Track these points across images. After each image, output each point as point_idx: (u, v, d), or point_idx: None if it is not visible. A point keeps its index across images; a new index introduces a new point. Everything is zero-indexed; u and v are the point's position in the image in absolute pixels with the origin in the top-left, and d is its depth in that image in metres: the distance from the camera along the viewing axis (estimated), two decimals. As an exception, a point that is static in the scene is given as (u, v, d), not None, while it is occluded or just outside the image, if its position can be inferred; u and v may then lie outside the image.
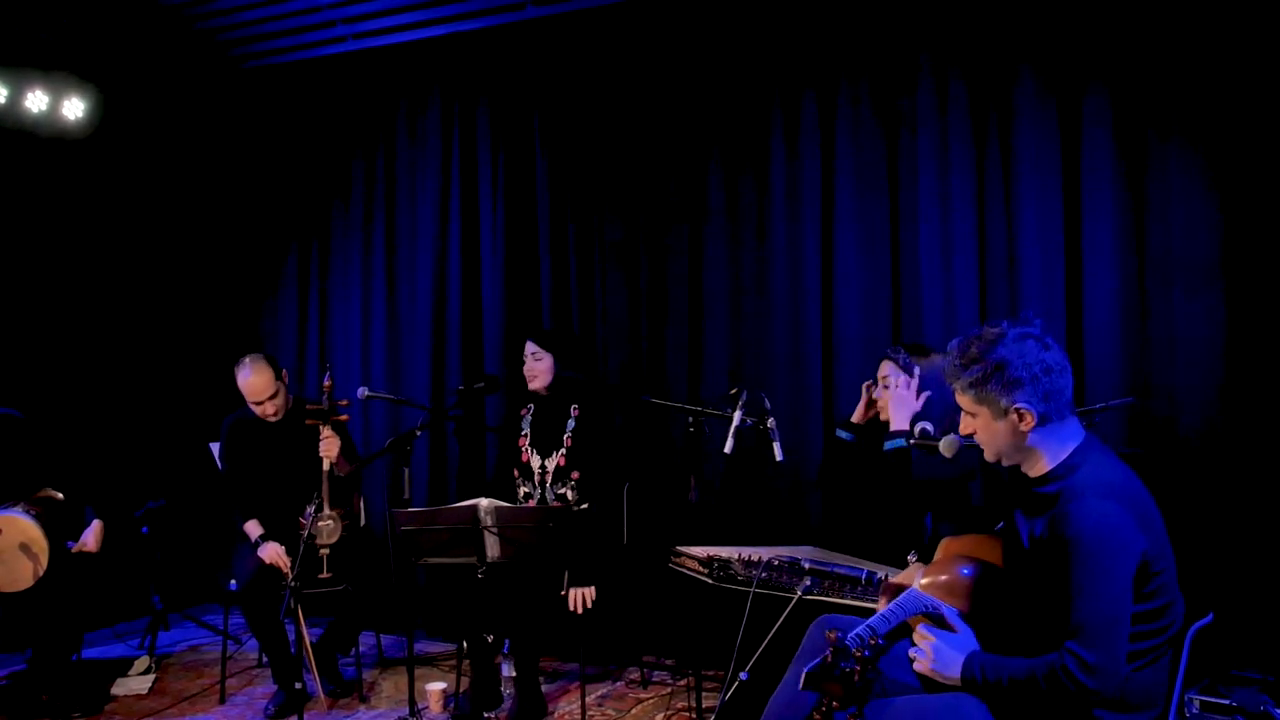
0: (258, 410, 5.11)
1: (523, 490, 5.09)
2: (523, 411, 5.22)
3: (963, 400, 2.82)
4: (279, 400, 5.11)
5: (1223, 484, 4.51)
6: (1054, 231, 4.85)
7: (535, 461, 5.07)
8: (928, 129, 5.13)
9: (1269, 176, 4.47)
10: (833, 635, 2.38)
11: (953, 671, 2.73)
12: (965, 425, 2.86)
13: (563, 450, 5.01)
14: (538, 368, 5.01)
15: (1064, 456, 2.74)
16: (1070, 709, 2.62)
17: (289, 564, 4.85)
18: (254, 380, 5.05)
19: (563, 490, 4.97)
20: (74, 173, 6.47)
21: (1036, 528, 2.74)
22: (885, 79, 5.23)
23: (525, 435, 5.14)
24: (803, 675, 2.36)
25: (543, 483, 5.03)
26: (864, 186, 5.29)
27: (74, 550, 4.86)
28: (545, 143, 6.05)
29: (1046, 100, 4.88)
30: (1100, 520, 2.56)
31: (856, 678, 2.33)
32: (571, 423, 5.03)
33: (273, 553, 4.94)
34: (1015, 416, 2.71)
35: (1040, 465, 2.78)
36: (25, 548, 4.74)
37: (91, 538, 4.90)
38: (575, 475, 4.97)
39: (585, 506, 4.91)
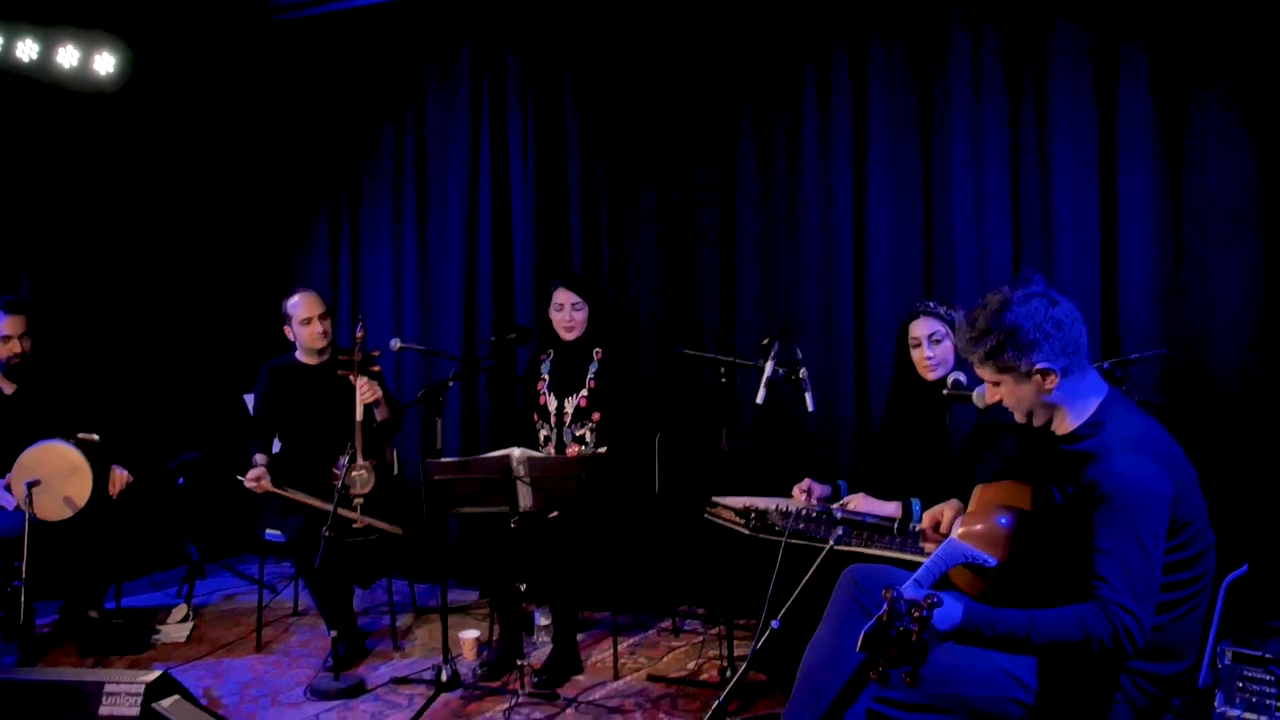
0: (307, 332, 5.20)
1: (542, 433, 5.12)
2: (542, 356, 5.24)
3: (983, 372, 2.83)
4: (328, 324, 5.25)
5: (1258, 435, 4.49)
6: (1089, 182, 4.81)
7: (552, 403, 5.10)
8: (961, 77, 5.07)
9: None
10: (888, 594, 2.36)
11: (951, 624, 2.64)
12: (991, 395, 2.88)
13: (584, 392, 5.04)
14: (578, 318, 5.02)
15: (1089, 414, 2.75)
16: (1105, 664, 2.62)
17: (269, 487, 4.94)
18: (309, 297, 5.23)
19: (581, 432, 5.00)
20: (106, 128, 6.48)
21: (1068, 487, 2.74)
22: (919, 26, 5.17)
23: (544, 379, 5.16)
24: (860, 637, 2.34)
25: (560, 424, 5.05)
26: (896, 135, 5.24)
27: (115, 492, 5.09)
28: (576, 93, 6.02)
29: (1082, 50, 4.81)
30: (1132, 475, 2.56)
31: (913, 638, 2.31)
32: (594, 365, 5.06)
33: (253, 475, 4.98)
34: (1039, 377, 2.71)
35: (1066, 423, 2.78)
36: (71, 474, 4.92)
37: (119, 476, 5.15)
38: (596, 417, 5.00)
39: (603, 451, 4.93)
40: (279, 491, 4.98)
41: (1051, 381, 2.71)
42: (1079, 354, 2.72)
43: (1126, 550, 2.52)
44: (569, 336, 5.06)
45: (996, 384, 2.82)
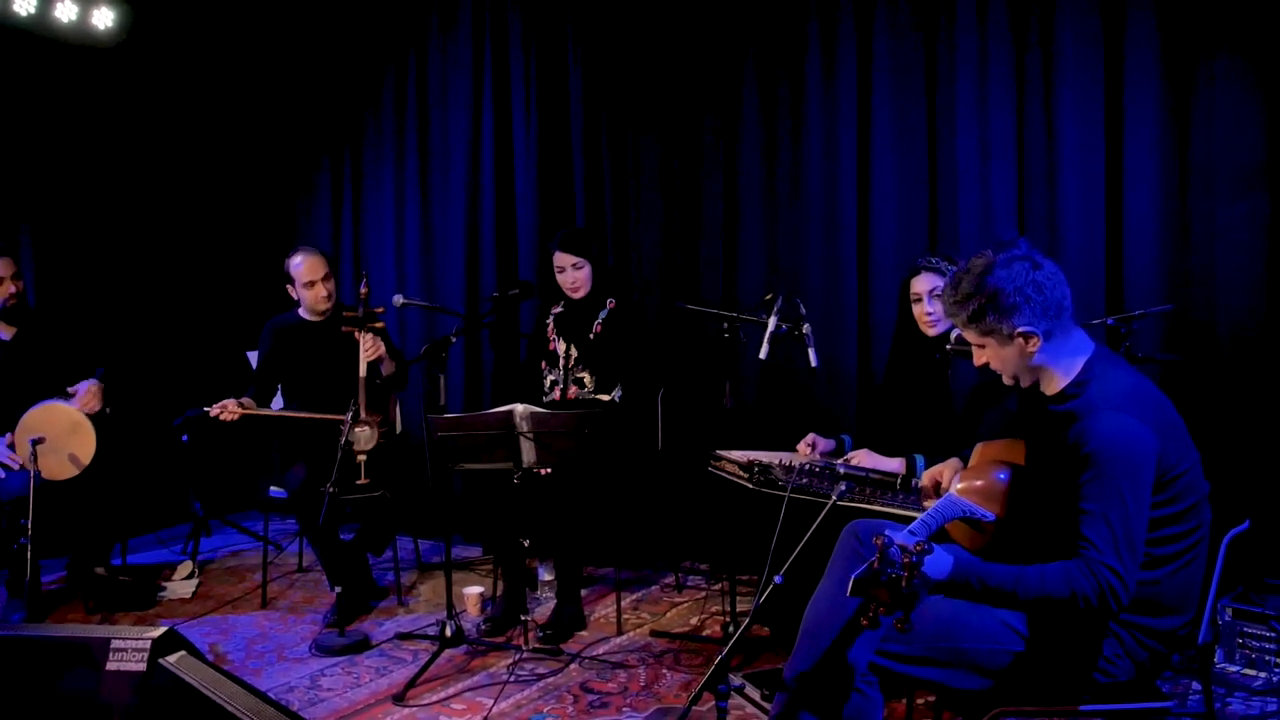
0: (310, 295, 5.18)
1: (549, 379, 5.12)
2: (554, 308, 5.23)
3: (968, 335, 2.84)
4: (331, 285, 5.22)
5: (1262, 390, 4.47)
6: (1095, 135, 4.76)
7: (560, 348, 5.09)
8: (967, 28, 5.01)
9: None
10: (880, 540, 2.38)
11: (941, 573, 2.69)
12: (978, 357, 2.88)
13: (590, 335, 5.02)
14: (580, 276, 4.99)
15: (1076, 372, 2.75)
16: (1090, 620, 2.65)
17: (236, 410, 4.90)
18: (311, 259, 5.18)
19: (581, 374, 5.00)
20: (105, 82, 6.45)
21: (1056, 446, 2.74)
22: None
23: (552, 325, 5.16)
24: (850, 581, 2.36)
25: (566, 368, 5.05)
26: (901, 87, 5.20)
27: (77, 407, 5.01)
28: (578, 48, 5.97)
29: (1090, 1, 4.75)
30: (1114, 434, 2.57)
31: (903, 584, 2.33)
32: (604, 312, 5.05)
33: (219, 404, 4.90)
34: (1021, 340, 2.72)
35: (1054, 383, 2.79)
36: (74, 431, 4.92)
37: (91, 393, 5.09)
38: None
39: (606, 397, 4.93)
40: (251, 412, 4.99)
41: (1034, 344, 2.72)
42: (1062, 316, 2.72)
43: (1110, 509, 2.54)
44: (577, 296, 5.04)
45: (982, 346, 2.83)
